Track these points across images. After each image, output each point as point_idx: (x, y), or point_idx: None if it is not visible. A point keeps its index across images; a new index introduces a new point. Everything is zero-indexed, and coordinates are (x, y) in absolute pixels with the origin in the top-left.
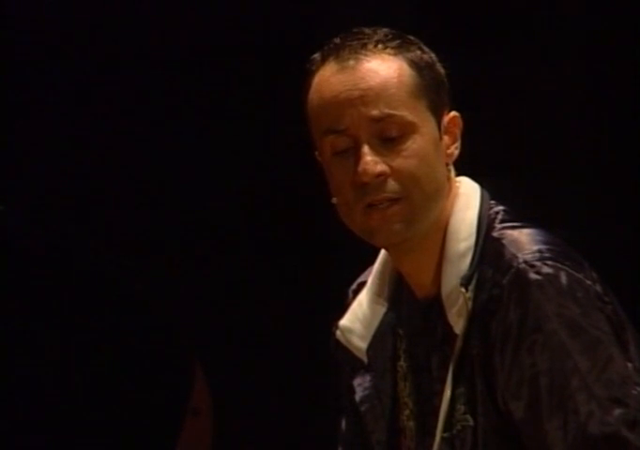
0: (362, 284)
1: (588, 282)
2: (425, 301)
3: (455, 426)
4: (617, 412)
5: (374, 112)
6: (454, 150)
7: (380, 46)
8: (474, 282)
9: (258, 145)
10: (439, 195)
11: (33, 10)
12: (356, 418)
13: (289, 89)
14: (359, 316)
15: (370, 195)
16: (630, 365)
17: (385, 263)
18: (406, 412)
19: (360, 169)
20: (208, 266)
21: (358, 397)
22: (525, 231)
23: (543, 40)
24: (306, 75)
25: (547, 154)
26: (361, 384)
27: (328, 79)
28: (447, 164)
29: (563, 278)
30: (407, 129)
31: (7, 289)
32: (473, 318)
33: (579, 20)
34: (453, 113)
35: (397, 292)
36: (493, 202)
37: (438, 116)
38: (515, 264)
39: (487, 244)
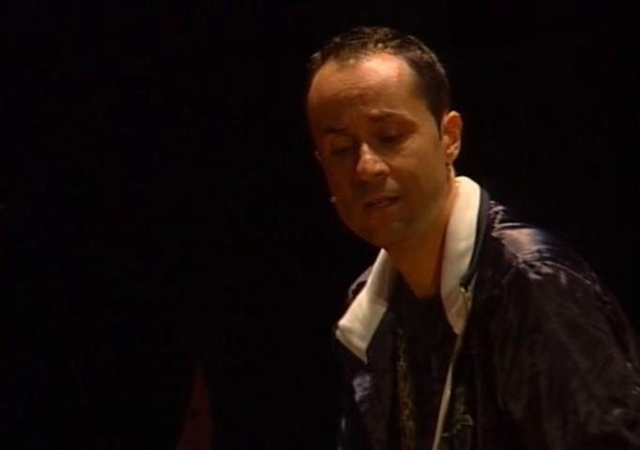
0: (362, 284)
1: (588, 282)
2: (425, 301)
3: (455, 425)
4: (617, 411)
5: (374, 111)
6: (454, 150)
7: (380, 45)
8: (473, 282)
9: (258, 145)
10: (438, 194)
11: (33, 10)
12: (356, 418)
13: (289, 89)
14: (359, 316)
15: (369, 194)
16: (629, 365)
17: (384, 263)
18: (406, 411)
19: (359, 168)
20: (208, 266)
21: (357, 396)
22: (525, 231)
23: (543, 40)
24: (306, 74)
25: (547, 154)
26: (361, 384)
27: (328, 78)
28: (446, 164)
29: (563, 278)
30: (407, 129)
31: (6, 289)
32: (473, 318)
33: (579, 20)
34: (453, 113)
35: (397, 291)
36: (492, 201)
37: (438, 116)
38: (515, 264)
39: (487, 244)
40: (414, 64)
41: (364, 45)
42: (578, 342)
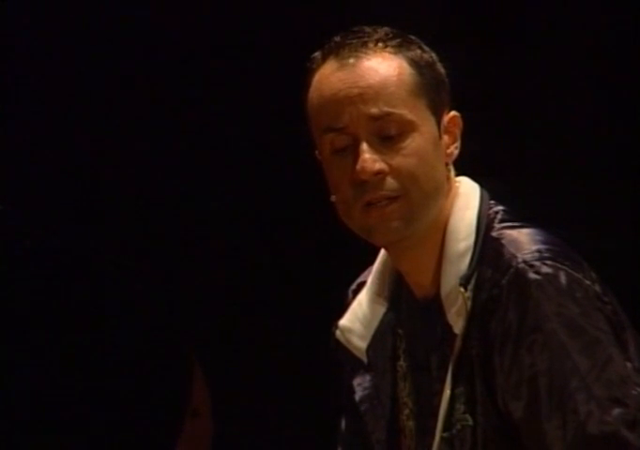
0: (362, 284)
1: (588, 282)
2: (425, 301)
3: (455, 425)
4: (617, 411)
5: (374, 110)
6: (454, 150)
7: (380, 44)
8: (473, 282)
9: (258, 145)
10: (438, 194)
11: (33, 10)
12: (356, 418)
13: (289, 89)
14: (359, 316)
15: (368, 193)
16: (629, 365)
17: (384, 263)
18: (406, 411)
19: (359, 167)
20: (209, 266)
21: (357, 396)
22: (525, 230)
23: (545, 40)
24: (306, 73)
25: (547, 154)
26: (361, 384)
27: (328, 77)
28: (446, 164)
29: (562, 278)
30: (406, 128)
31: (6, 289)
32: (472, 318)
33: (580, 20)
34: (453, 113)
35: (397, 291)
36: (492, 201)
37: (438, 115)
38: (514, 264)
39: (486, 244)
40: (414, 63)
41: (364, 44)
42: (578, 342)
